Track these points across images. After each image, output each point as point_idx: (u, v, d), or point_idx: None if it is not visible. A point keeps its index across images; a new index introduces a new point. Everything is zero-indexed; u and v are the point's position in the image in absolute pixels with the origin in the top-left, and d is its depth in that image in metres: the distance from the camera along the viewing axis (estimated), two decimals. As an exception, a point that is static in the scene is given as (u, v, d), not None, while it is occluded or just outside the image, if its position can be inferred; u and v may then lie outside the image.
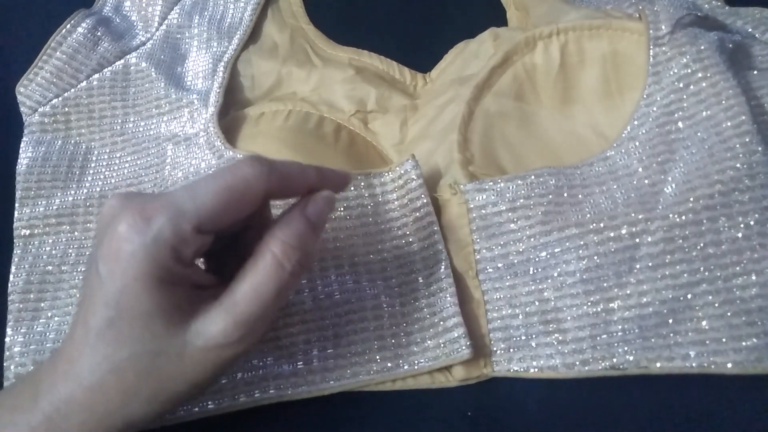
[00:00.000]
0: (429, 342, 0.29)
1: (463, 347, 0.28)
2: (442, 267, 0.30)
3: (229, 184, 0.22)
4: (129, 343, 0.21)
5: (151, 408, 0.22)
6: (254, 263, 0.23)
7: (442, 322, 0.29)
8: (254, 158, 0.23)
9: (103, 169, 0.36)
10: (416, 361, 0.29)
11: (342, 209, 0.32)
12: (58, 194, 0.35)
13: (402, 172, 0.32)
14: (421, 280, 0.30)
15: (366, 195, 0.32)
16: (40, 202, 0.35)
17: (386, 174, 0.33)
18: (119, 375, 0.22)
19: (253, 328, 0.22)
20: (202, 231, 0.22)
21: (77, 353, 0.22)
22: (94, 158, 0.37)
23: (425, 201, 0.32)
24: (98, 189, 0.36)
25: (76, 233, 0.34)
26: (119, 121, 0.38)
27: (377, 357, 0.29)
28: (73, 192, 0.35)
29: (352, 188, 0.32)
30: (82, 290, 0.24)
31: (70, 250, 0.34)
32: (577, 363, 0.28)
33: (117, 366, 0.21)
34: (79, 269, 0.33)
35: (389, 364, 0.29)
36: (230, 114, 0.37)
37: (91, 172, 0.36)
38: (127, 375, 0.22)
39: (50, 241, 0.34)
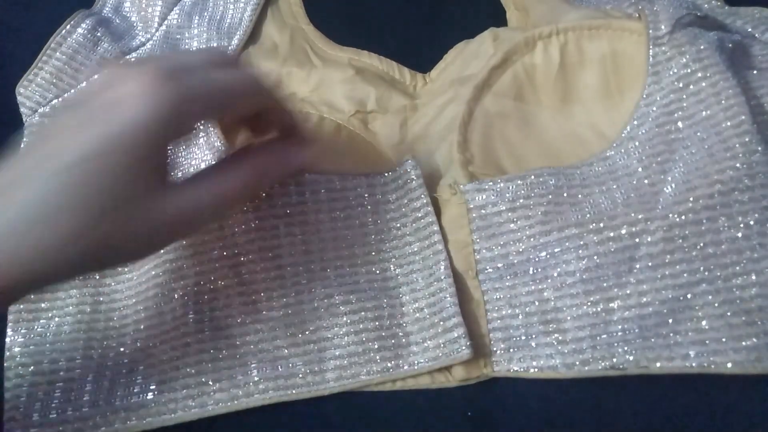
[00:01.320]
0: (429, 342, 0.29)
1: (463, 347, 0.28)
2: (442, 267, 0.30)
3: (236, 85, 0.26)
4: (113, 177, 0.22)
5: (97, 242, 0.22)
6: (228, 170, 0.27)
7: (442, 322, 0.29)
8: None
9: None
10: (416, 362, 0.29)
11: (342, 210, 0.32)
12: None
13: (401, 172, 0.32)
14: (420, 281, 0.30)
15: (366, 195, 0.32)
16: None
17: (386, 174, 0.33)
18: (85, 206, 0.21)
19: (204, 216, 0.26)
20: (204, 104, 0.24)
21: (26, 180, 0.21)
22: None
23: (425, 201, 0.32)
24: None
25: None
26: None
27: (377, 357, 0.29)
28: None
29: (353, 188, 0.32)
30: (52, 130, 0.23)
31: None
32: (577, 363, 0.28)
33: (86, 197, 0.21)
34: None
35: (389, 365, 0.29)
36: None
37: None
38: (93, 210, 0.22)
39: None
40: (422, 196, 0.32)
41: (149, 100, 0.22)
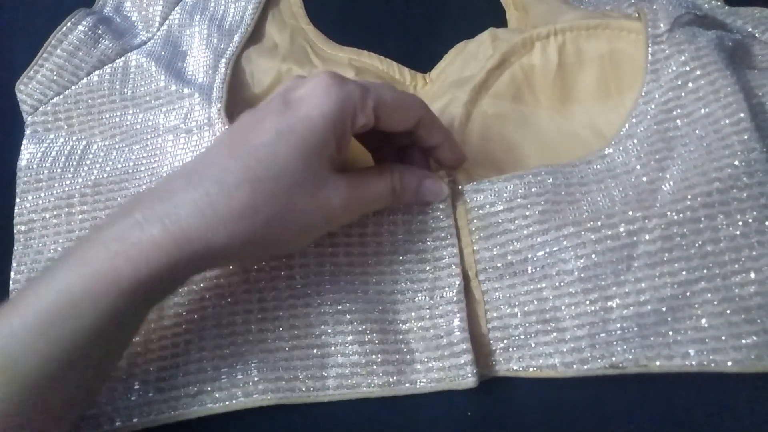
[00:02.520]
0: (433, 363, 0.29)
1: (469, 375, 0.28)
2: (455, 290, 0.30)
3: (405, 99, 0.28)
4: (281, 163, 0.24)
5: (258, 227, 0.25)
6: (377, 170, 0.29)
7: (449, 346, 0.29)
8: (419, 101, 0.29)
9: (100, 160, 0.36)
10: (418, 380, 0.29)
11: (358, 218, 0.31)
12: (55, 185, 0.35)
13: None
14: (430, 300, 0.30)
15: (387, 207, 0.32)
16: (39, 195, 0.35)
17: None
18: (254, 188, 0.24)
19: (355, 213, 0.28)
20: (375, 115, 0.27)
21: (208, 163, 0.25)
22: (92, 151, 0.36)
23: (449, 223, 0.31)
24: (93, 178, 0.35)
25: (72, 224, 0.34)
26: (118, 114, 0.37)
27: (380, 371, 0.29)
28: (68, 182, 0.35)
29: None
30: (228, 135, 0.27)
31: (68, 244, 0.33)
32: (576, 362, 0.28)
33: (256, 179, 0.24)
34: None
35: (391, 379, 0.29)
36: (234, 115, 0.37)
37: (88, 163, 0.36)
38: (261, 192, 0.24)
39: (50, 234, 0.34)
40: (447, 217, 0.31)
41: (324, 98, 0.25)
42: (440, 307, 0.30)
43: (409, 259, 0.31)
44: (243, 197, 0.24)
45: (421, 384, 0.29)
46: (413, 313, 0.30)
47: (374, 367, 0.29)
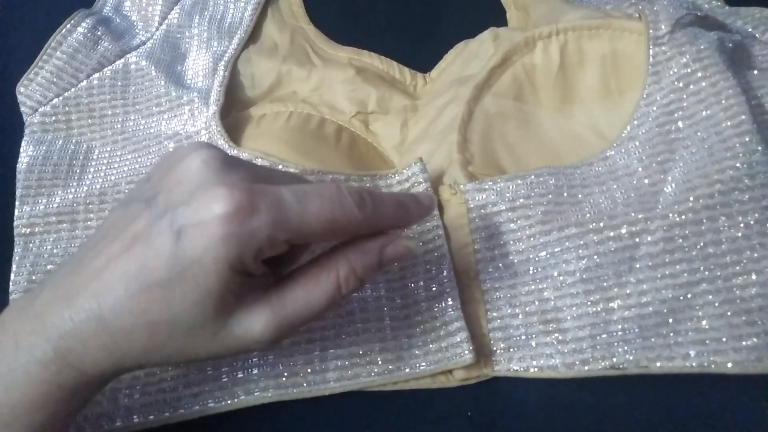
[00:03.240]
0: (431, 345, 0.29)
1: (466, 352, 0.28)
2: (445, 271, 0.30)
3: (335, 218, 0.22)
4: (175, 310, 0.21)
5: (164, 360, 0.23)
6: (315, 274, 0.23)
7: (444, 326, 0.29)
8: (363, 198, 0.23)
9: (104, 167, 0.36)
10: (418, 365, 0.29)
11: None
12: (59, 192, 0.35)
13: (409, 174, 0.32)
14: (423, 284, 0.30)
15: None
16: (40, 200, 0.35)
17: (393, 176, 0.33)
18: (151, 331, 0.22)
19: (288, 334, 0.23)
20: (290, 243, 0.22)
21: (106, 292, 0.21)
22: (94, 157, 0.37)
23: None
24: (98, 186, 0.35)
25: (77, 231, 0.34)
26: (120, 119, 0.38)
27: (378, 359, 0.29)
28: (73, 190, 0.35)
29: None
30: (121, 227, 0.22)
31: (72, 249, 0.33)
32: (577, 362, 0.28)
33: (152, 323, 0.21)
34: None
35: (390, 367, 0.29)
36: (232, 114, 0.37)
37: (92, 170, 0.36)
38: (158, 335, 0.22)
39: (51, 239, 0.34)
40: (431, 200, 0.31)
41: (218, 242, 0.20)
42: (433, 289, 0.30)
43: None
44: (143, 338, 0.22)
45: (421, 367, 0.29)
46: (409, 299, 0.30)
47: (373, 355, 0.29)
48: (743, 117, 0.30)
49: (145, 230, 0.21)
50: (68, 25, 0.39)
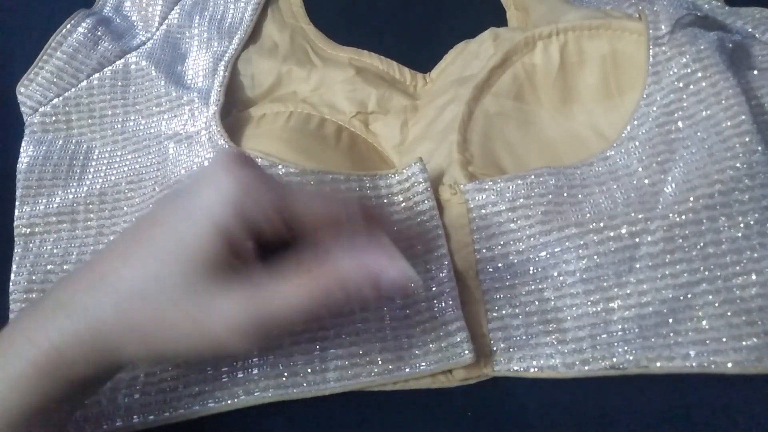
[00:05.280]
0: (431, 345, 0.29)
1: (465, 351, 0.28)
2: (445, 271, 0.30)
3: (332, 202, 0.24)
4: (171, 289, 0.22)
5: (141, 356, 0.24)
6: (302, 273, 0.23)
7: (444, 326, 0.29)
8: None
9: (104, 168, 0.36)
10: (418, 364, 0.29)
11: None
12: (59, 192, 0.35)
13: (409, 174, 0.32)
14: (422, 284, 0.30)
15: (371, 196, 0.32)
16: (40, 201, 0.35)
17: (392, 176, 0.33)
18: (146, 307, 0.22)
19: (263, 333, 0.22)
20: (286, 225, 0.23)
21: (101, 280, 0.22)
22: (95, 157, 0.37)
23: (431, 204, 0.31)
24: (98, 187, 0.36)
25: (77, 231, 0.34)
26: (120, 119, 0.38)
27: (378, 359, 0.29)
28: (73, 190, 0.35)
29: (357, 189, 0.32)
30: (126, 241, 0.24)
31: (72, 249, 0.34)
32: (577, 362, 0.28)
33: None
34: None
35: (390, 366, 0.29)
36: (232, 114, 0.37)
37: (92, 170, 0.36)
38: (148, 315, 0.22)
39: (51, 239, 0.34)
40: (428, 200, 0.32)
41: (235, 201, 0.21)
42: (433, 289, 0.30)
43: (398, 246, 0.31)
44: (151, 310, 0.22)
45: (422, 367, 0.29)
46: (409, 299, 0.30)
47: (373, 355, 0.29)
48: (743, 117, 0.30)
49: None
50: (68, 26, 0.39)
